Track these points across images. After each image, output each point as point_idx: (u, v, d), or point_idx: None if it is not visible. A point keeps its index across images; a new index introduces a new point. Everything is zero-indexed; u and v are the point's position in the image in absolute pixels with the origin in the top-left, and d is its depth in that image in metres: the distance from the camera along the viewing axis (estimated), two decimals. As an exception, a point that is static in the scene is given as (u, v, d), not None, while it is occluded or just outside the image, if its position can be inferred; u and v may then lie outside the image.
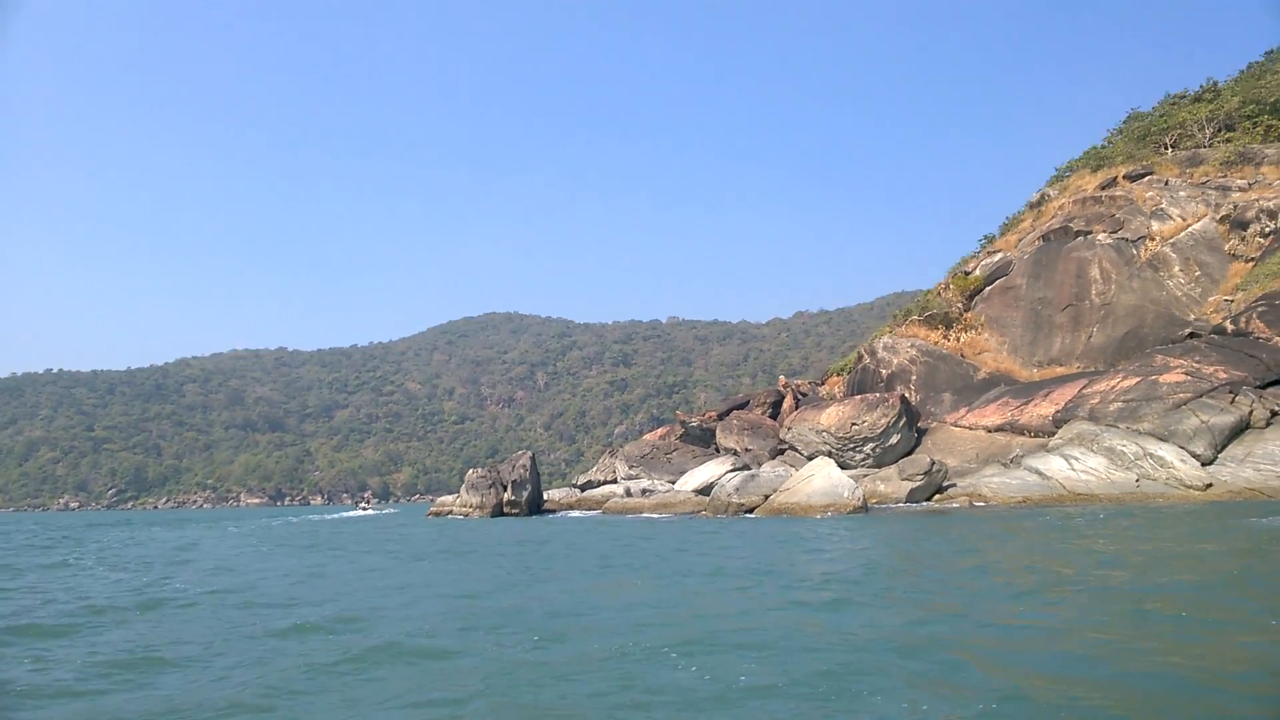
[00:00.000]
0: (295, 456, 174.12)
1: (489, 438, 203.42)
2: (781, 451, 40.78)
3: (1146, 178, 46.50)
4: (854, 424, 36.35)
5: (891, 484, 30.32)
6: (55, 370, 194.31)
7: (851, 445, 36.36)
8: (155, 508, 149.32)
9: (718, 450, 46.04)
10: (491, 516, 39.89)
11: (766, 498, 31.51)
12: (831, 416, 37.27)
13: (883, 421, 35.87)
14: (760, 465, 39.03)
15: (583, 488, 49.67)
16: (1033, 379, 39.95)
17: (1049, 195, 54.80)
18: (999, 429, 35.30)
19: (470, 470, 44.44)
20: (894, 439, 35.96)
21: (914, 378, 42.69)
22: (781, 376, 55.82)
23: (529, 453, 44.53)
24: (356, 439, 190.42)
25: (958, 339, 44.52)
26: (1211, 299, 38.14)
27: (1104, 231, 43.39)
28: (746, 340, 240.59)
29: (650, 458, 46.95)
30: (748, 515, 30.98)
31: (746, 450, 41.64)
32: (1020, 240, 49.61)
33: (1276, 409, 27.15)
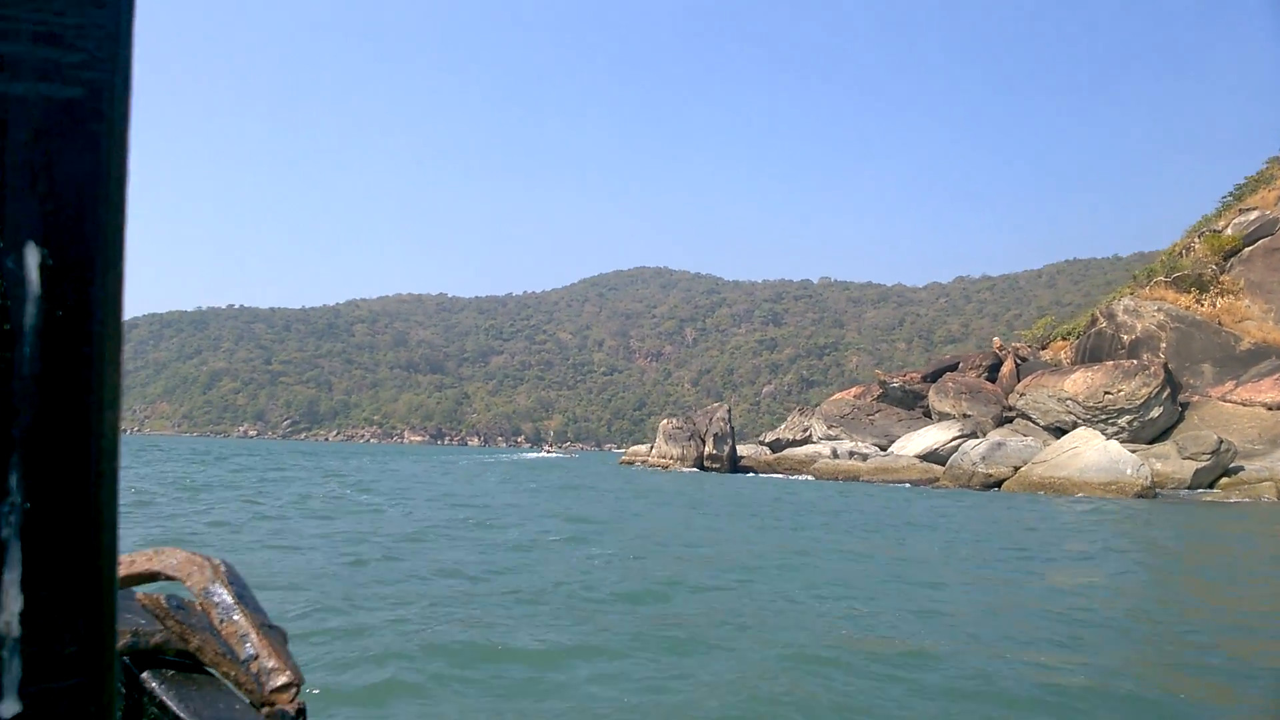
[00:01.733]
0: (454, 398, 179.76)
1: (637, 390, 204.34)
2: (1009, 419, 37.43)
3: None
4: (1107, 392, 32.69)
5: (1170, 463, 26.76)
6: (237, 306, 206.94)
7: (1103, 416, 32.74)
8: (327, 439, 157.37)
9: (926, 414, 42.95)
10: (693, 469, 38.41)
11: (1016, 469, 28.61)
12: (1078, 383, 33.67)
13: (1143, 391, 32.06)
14: (985, 433, 35.93)
15: (772, 446, 47.62)
16: (1313, 352, 35.02)
17: (1315, 147, 48.17)
18: (1283, 406, 30.94)
19: (665, 420, 43.10)
20: (1155, 411, 32.13)
21: (1164, 345, 38.24)
22: (996, 339, 51.83)
23: (724, 405, 42.81)
24: (510, 385, 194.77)
25: (1213, 304, 39.62)
26: None
27: (1404, 187, 37.46)
28: (902, 304, 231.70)
29: (851, 418, 44.30)
30: (995, 489, 28.23)
31: (965, 416, 38.44)
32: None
33: None
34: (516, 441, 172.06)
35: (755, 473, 40.16)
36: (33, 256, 0.40)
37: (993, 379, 43.96)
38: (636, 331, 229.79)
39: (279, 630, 1.16)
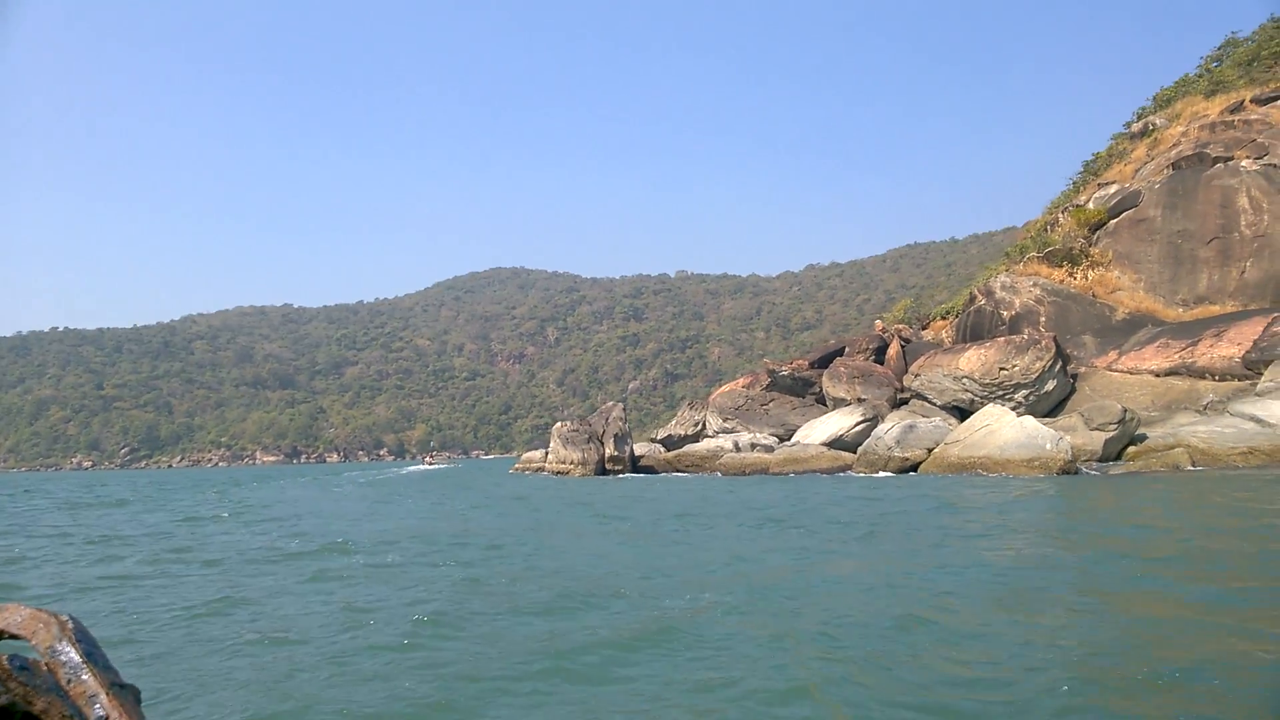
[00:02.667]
0: (308, 414, 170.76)
1: (501, 394, 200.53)
2: (904, 401, 37.45)
3: (1276, 101, 42.76)
4: (1001, 368, 32.97)
5: (1079, 434, 26.84)
6: (61, 328, 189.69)
7: (1000, 392, 33.00)
8: (170, 466, 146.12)
9: (819, 400, 42.67)
10: (595, 475, 36.55)
11: (929, 451, 28.24)
12: (972, 361, 33.86)
13: (1037, 365, 32.48)
14: (883, 416, 35.75)
15: (664, 443, 46.35)
16: (1181, 319, 36.55)
17: (1156, 124, 50.99)
18: (1169, 373, 31.94)
19: (559, 424, 41.00)
20: (1049, 385, 32.62)
21: (1042, 319, 39.18)
22: (878, 321, 52.28)
23: (618, 404, 41.17)
24: (368, 396, 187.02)
25: (1085, 277, 40.98)
26: (1394, 228, 34.65)
27: (1248, 158, 39.70)
28: (759, 294, 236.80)
29: (745, 409, 43.55)
30: (911, 471, 27.75)
31: (860, 400, 38.23)
32: (1137, 170, 45.98)
33: None
34: (379, 455, 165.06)
35: (656, 472, 38.69)
36: None
37: (880, 361, 44.16)
38: (497, 334, 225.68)
39: (131, 689, 1.13)
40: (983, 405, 33.20)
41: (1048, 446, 24.37)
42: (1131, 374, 33.04)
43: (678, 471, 38.02)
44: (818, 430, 34.41)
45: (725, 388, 51.17)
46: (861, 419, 34.07)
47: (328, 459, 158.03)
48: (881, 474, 27.68)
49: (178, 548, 14.51)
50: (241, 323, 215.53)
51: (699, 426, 45.39)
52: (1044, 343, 33.06)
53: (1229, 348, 30.80)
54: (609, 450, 37.24)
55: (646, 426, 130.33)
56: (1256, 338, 30.06)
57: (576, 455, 36.81)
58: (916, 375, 36.16)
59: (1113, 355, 35.09)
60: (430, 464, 62.66)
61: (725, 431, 41.86)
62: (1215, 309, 36.52)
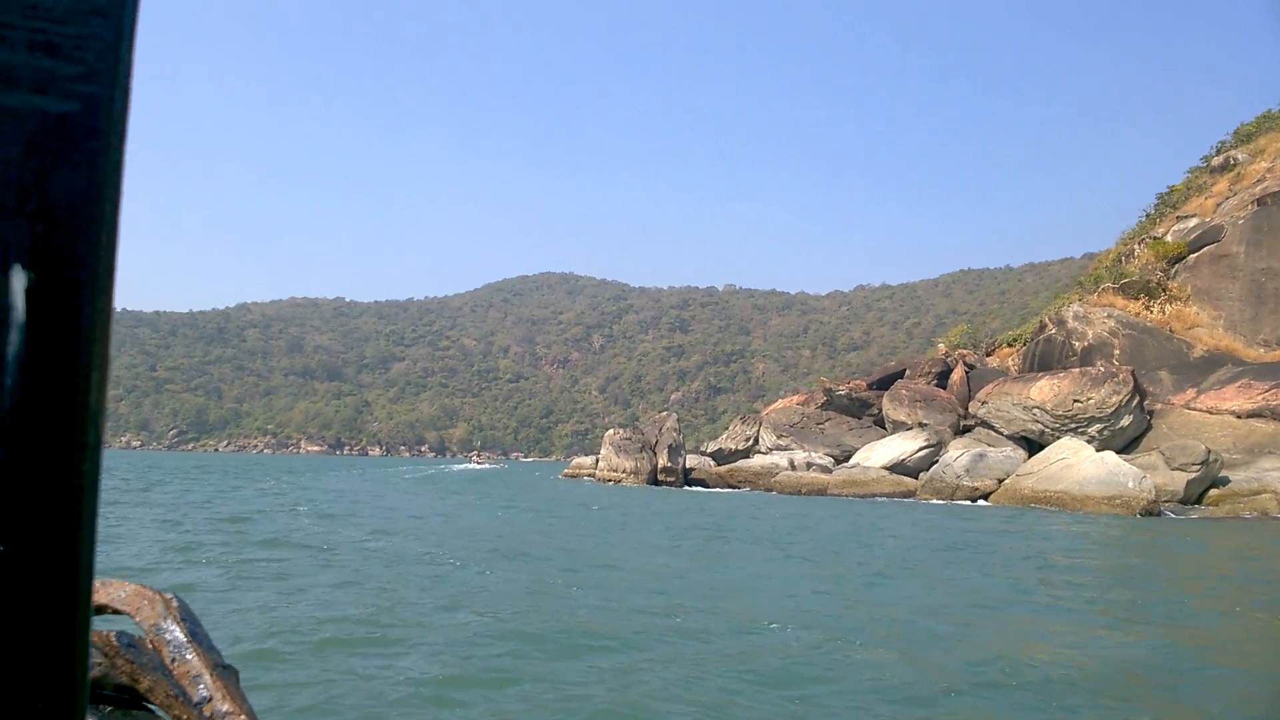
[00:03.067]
0: (354, 406, 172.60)
1: (544, 398, 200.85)
2: (968, 429, 36.44)
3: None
4: (1075, 400, 31.84)
5: (1159, 474, 25.74)
6: (119, 310, 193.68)
7: (1072, 425, 31.88)
8: (217, 450, 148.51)
9: (877, 422, 41.73)
10: (647, 484, 36.03)
11: (1000, 481, 27.33)
12: (1044, 391, 32.77)
13: (1113, 399, 31.32)
14: (946, 442, 34.79)
15: (715, 456, 45.68)
16: (1263, 359, 35.12)
17: (1238, 158, 49.35)
18: (1252, 414, 30.60)
19: (611, 431, 40.59)
20: (1125, 420, 31.45)
21: (1117, 352, 37.90)
22: (940, 345, 51.20)
23: (672, 414, 40.66)
24: (413, 392, 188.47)
25: (1162, 311, 39.63)
26: None
27: (1342, 197, 38.17)
28: (806, 312, 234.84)
29: (800, 426, 42.75)
30: (981, 501, 26.86)
31: (922, 425, 37.27)
32: (1219, 204, 44.45)
33: None
34: (420, 451, 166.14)
35: (708, 486, 38.06)
36: (19, 280, 0.38)
37: (942, 386, 43.13)
38: (542, 338, 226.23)
39: (233, 670, 1.15)
40: (1053, 438, 32.13)
41: (1130, 485, 23.35)
42: (1211, 414, 31.75)
43: (729, 486, 37.36)
44: (878, 453, 33.57)
45: (779, 404, 50.40)
46: (925, 444, 33.17)
47: (370, 452, 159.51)
48: (958, 501, 26.78)
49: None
50: (294, 313, 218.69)
51: (750, 441, 44.66)
52: (1121, 376, 31.90)
53: (1319, 392, 29.46)
54: (662, 461, 36.72)
55: (689, 439, 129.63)
56: (1350, 384, 28.70)
57: (630, 464, 36.32)
58: (983, 403, 35.13)
59: (1190, 393, 33.79)
60: (478, 464, 62.60)
61: (779, 449, 41.10)
62: (1302, 351, 35.08)
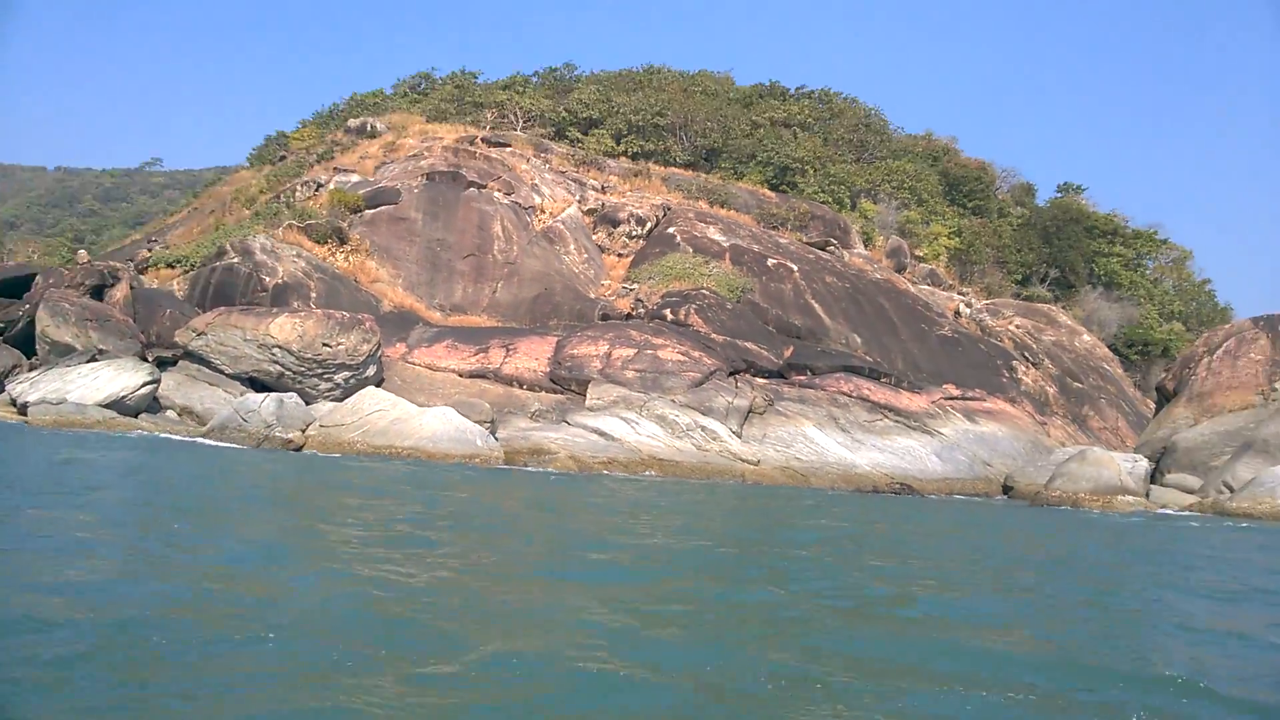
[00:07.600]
0: None
1: None
2: (167, 361, 29.04)
3: (506, 148, 48.19)
4: (325, 344, 28.21)
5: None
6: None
7: (319, 370, 28.10)
8: None
9: (16, 344, 29.87)
10: None
11: (304, 431, 22.40)
12: (287, 330, 28.06)
13: (364, 348, 28.76)
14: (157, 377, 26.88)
15: None
16: (443, 323, 37.10)
17: (378, 126, 51.98)
18: (475, 375, 31.82)
19: None
20: (371, 370, 29.22)
21: (313, 295, 35.13)
22: (82, 251, 38.99)
23: None
24: None
25: (348, 260, 38.56)
26: (604, 284, 41.53)
27: (499, 190, 43.33)
28: None
29: None
30: (295, 451, 21.55)
31: (101, 352, 28.12)
32: (378, 167, 45.72)
33: (765, 396, 31.46)
34: None
35: None
36: None
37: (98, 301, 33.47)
38: None
39: None
40: (294, 383, 27.95)
41: (479, 444, 21.64)
42: (437, 371, 32.02)
43: None
44: (80, 386, 23.89)
45: None
46: (150, 378, 25.07)
47: None
48: (251, 447, 20.50)
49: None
50: None
51: None
52: (368, 325, 29.58)
53: (528, 360, 32.35)
54: None
55: None
56: (551, 355, 32.34)
57: None
58: (200, 334, 28.30)
59: (401, 348, 33.42)
60: None
61: None
62: (472, 319, 38.12)
